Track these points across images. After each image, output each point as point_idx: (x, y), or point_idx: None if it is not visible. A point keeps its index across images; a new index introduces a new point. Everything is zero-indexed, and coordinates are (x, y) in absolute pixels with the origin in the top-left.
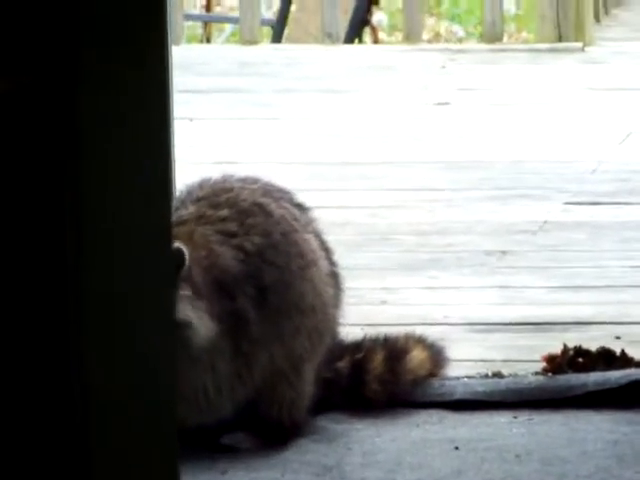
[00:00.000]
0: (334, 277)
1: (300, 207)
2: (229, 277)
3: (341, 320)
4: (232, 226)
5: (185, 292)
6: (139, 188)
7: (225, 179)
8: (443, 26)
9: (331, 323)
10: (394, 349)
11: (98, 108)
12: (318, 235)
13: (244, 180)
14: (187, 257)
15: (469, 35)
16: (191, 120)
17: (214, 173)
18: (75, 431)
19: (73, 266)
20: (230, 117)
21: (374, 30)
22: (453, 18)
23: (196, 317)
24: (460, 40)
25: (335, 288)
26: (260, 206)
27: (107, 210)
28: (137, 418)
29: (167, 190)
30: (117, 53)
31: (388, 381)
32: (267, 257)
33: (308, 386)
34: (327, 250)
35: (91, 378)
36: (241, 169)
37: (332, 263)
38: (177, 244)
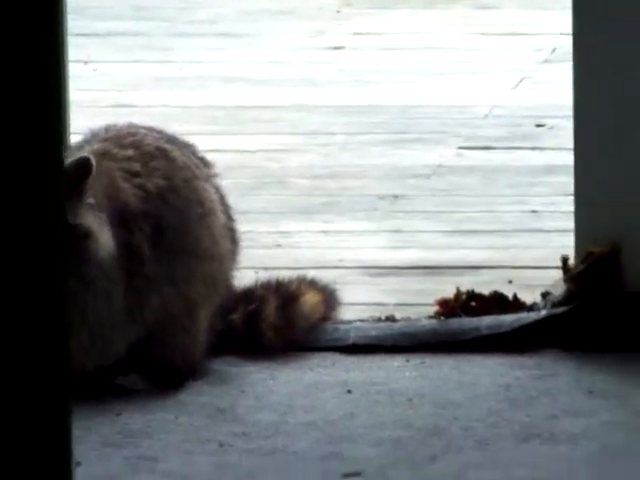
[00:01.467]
0: (231, 231)
1: (202, 160)
2: (128, 212)
3: (236, 270)
4: (136, 166)
5: (89, 201)
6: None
7: (130, 125)
8: None
9: (226, 274)
10: (287, 295)
11: None
12: (218, 190)
13: (149, 129)
14: (94, 166)
15: None
16: (86, 63)
17: (110, 115)
18: None
19: None
20: (125, 60)
21: None
22: None
23: (97, 226)
24: None
25: (232, 242)
26: (164, 151)
27: None
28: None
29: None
30: None
31: (282, 328)
32: (167, 199)
33: (202, 332)
34: (226, 205)
35: None
36: (137, 112)
37: (230, 218)
38: (85, 154)
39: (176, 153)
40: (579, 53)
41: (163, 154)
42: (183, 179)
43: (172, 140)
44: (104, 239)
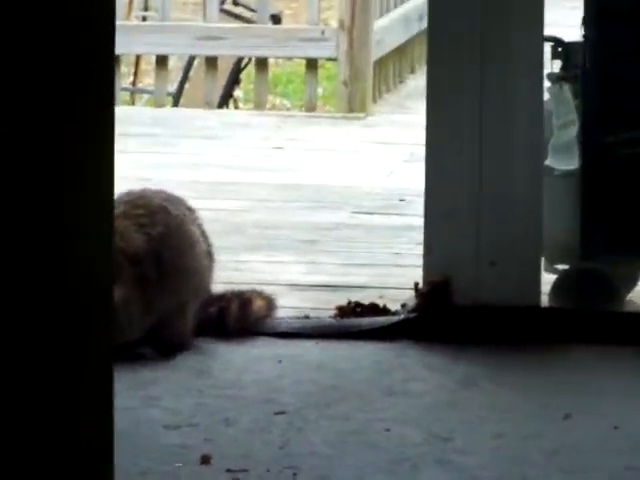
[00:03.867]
0: (209, 254)
1: (189, 209)
2: (140, 251)
3: (212, 281)
4: (145, 220)
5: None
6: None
7: (143, 190)
8: (278, 99)
9: (205, 282)
10: (244, 299)
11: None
12: (200, 227)
13: (155, 192)
14: None
15: (294, 106)
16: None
17: (136, 185)
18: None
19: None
20: (148, 151)
21: (235, 100)
22: (284, 95)
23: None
24: (288, 109)
25: (209, 261)
26: (164, 208)
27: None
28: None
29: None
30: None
31: (240, 320)
32: (165, 240)
33: (190, 320)
34: (205, 236)
35: None
36: (152, 183)
37: (208, 245)
38: None
39: (172, 208)
40: (429, 157)
41: (163, 210)
42: (176, 225)
43: (169, 199)
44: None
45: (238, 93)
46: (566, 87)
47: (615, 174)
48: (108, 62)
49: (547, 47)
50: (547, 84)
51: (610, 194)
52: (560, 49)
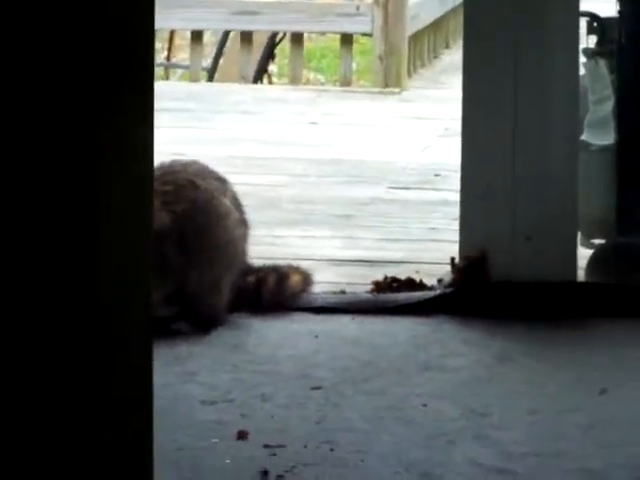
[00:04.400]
0: (243, 222)
1: (220, 180)
2: (161, 229)
3: (249, 249)
4: (170, 197)
5: None
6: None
7: (173, 163)
8: (312, 74)
9: (240, 254)
10: (281, 273)
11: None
12: (233, 196)
13: (185, 164)
14: None
15: (328, 81)
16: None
17: (168, 157)
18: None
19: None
20: (183, 126)
21: (269, 76)
22: (317, 69)
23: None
24: (322, 84)
25: (244, 229)
26: (192, 182)
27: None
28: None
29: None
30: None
31: (277, 293)
32: (189, 216)
33: (225, 295)
34: (239, 205)
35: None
36: (189, 155)
37: (242, 213)
38: None
39: (200, 182)
40: (465, 133)
41: (191, 184)
42: (204, 199)
43: (199, 171)
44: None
45: (272, 68)
46: (602, 62)
47: None
48: (148, 37)
49: (583, 22)
50: (583, 59)
51: None
52: (596, 24)
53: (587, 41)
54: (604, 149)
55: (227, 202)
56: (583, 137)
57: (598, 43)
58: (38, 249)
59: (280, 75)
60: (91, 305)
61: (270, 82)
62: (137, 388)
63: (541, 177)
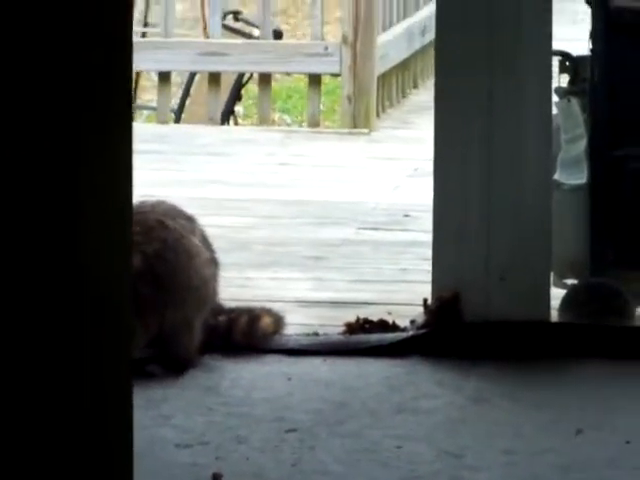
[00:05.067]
0: (213, 261)
1: (189, 219)
2: (134, 269)
3: (219, 289)
4: (140, 238)
5: None
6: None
7: (141, 203)
8: (277, 115)
9: (211, 293)
10: (252, 315)
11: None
12: (202, 235)
13: (153, 204)
14: None
15: (294, 122)
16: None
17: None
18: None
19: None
20: (152, 168)
21: (235, 117)
22: (284, 110)
23: None
24: (288, 124)
25: (214, 268)
26: (161, 222)
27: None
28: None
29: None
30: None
31: (248, 334)
32: (161, 256)
33: (197, 335)
34: (208, 244)
35: None
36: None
37: (211, 252)
38: None
39: (169, 222)
40: (437, 172)
41: (160, 224)
42: (174, 239)
43: (167, 211)
44: None
45: (238, 109)
46: (574, 101)
47: (624, 188)
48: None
49: (555, 61)
50: (555, 99)
51: (619, 208)
52: (568, 63)
53: (559, 80)
54: (577, 188)
55: (197, 241)
56: (556, 176)
57: (570, 82)
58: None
59: (246, 116)
60: (67, 338)
61: (236, 123)
62: (118, 431)
63: (515, 216)
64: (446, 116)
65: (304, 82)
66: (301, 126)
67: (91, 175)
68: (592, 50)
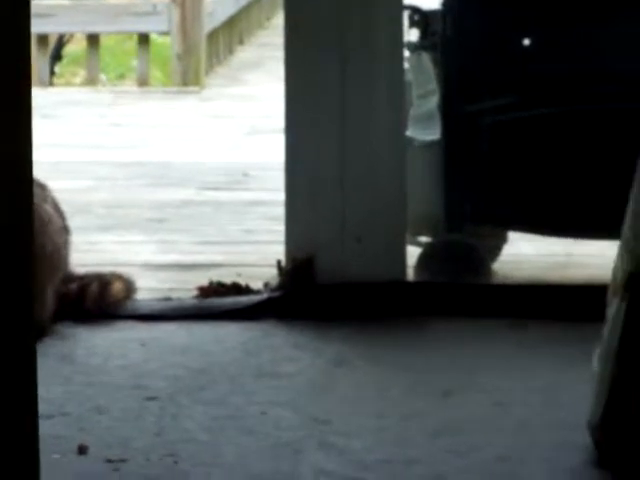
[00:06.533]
0: (65, 229)
1: (41, 186)
2: None
3: (70, 257)
4: None
5: None
6: None
7: None
8: (102, 75)
9: (63, 260)
10: (103, 281)
11: None
12: (54, 202)
13: None
14: None
15: (110, 80)
16: None
17: None
18: None
19: None
20: None
21: (52, 77)
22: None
23: None
24: (115, 85)
25: (65, 236)
26: None
27: None
28: None
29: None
30: None
31: (100, 301)
32: None
33: (49, 302)
34: (60, 212)
35: None
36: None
37: (63, 219)
38: None
39: None
40: (289, 129)
41: None
42: None
43: None
44: None
45: (57, 69)
46: (425, 56)
47: (478, 143)
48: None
49: (405, 16)
50: (406, 53)
51: (473, 164)
52: (418, 17)
53: (409, 34)
54: (430, 144)
55: (49, 208)
56: (408, 132)
57: (421, 36)
58: None
59: (60, 76)
60: None
61: (51, 84)
62: None
63: (369, 175)
64: (298, 74)
65: (126, 41)
66: (130, 86)
67: None
68: (443, 3)
